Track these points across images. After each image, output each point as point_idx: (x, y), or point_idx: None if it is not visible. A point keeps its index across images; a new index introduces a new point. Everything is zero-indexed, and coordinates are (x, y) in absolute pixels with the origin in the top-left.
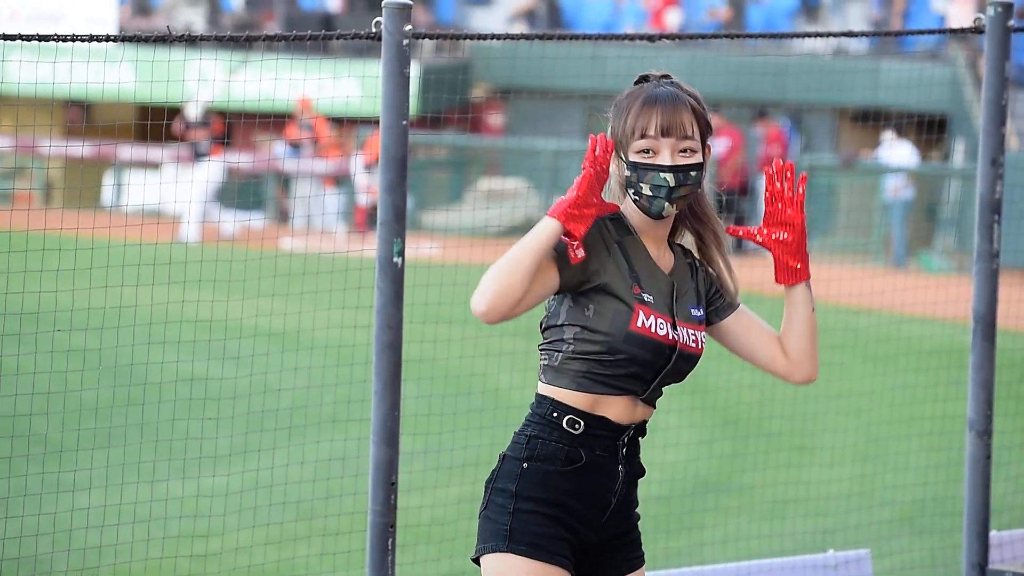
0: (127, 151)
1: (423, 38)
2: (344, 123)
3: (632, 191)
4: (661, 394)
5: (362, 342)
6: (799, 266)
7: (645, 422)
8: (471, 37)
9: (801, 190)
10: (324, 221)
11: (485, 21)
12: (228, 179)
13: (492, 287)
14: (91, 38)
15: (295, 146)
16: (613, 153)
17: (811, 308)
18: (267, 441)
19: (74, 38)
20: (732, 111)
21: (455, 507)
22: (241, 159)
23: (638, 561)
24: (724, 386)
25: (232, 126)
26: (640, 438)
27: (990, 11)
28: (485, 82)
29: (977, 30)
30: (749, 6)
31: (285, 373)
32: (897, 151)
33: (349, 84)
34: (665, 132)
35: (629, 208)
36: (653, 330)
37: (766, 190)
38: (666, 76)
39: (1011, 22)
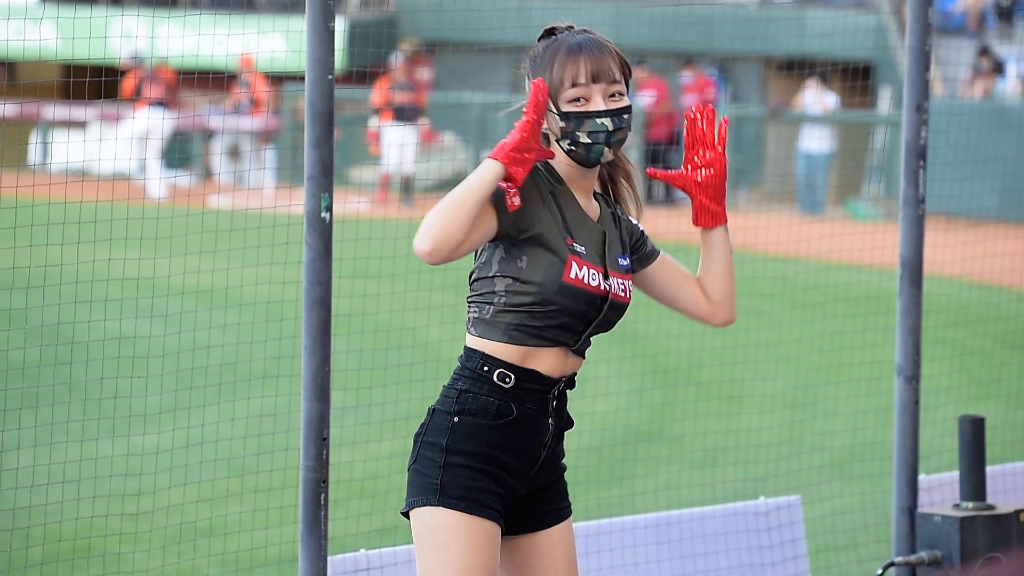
0: (51, 110)
1: None
2: (270, 79)
3: (568, 141)
4: (590, 344)
5: (291, 298)
6: (718, 209)
7: (574, 374)
8: None
9: (722, 132)
10: (252, 177)
11: None
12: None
13: (435, 227)
14: None
15: (235, 105)
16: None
17: (730, 250)
18: (197, 399)
19: None
20: (658, 62)
21: (387, 462)
22: (167, 116)
23: (565, 511)
24: (654, 335)
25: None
26: (569, 390)
27: None
28: (411, 36)
29: None
30: None
31: (214, 330)
32: (822, 100)
33: (274, 39)
34: (595, 78)
35: (560, 159)
36: (586, 281)
37: (687, 133)
38: (572, 26)
39: None
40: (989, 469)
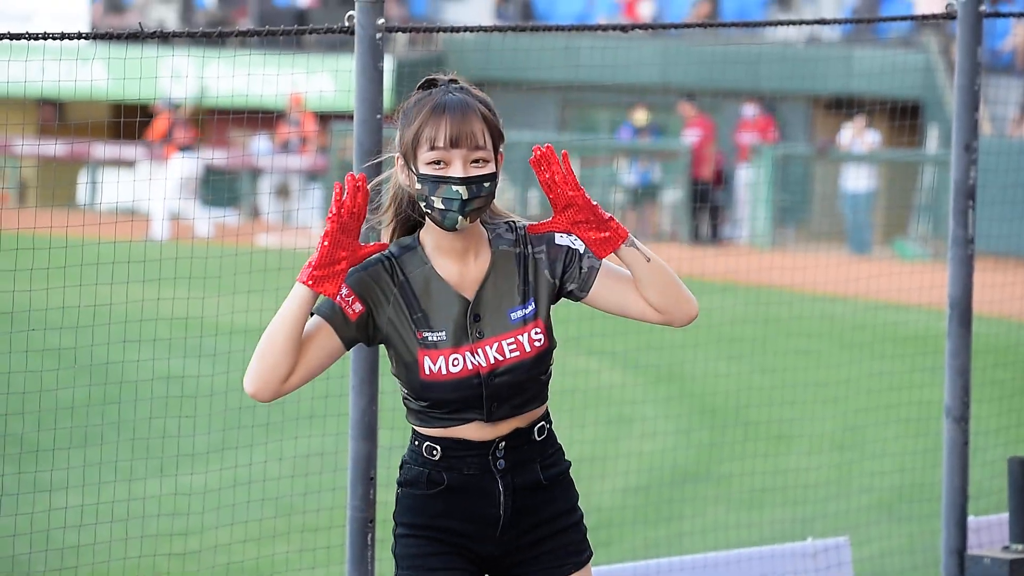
0: (101, 149)
1: (396, 31)
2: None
3: (424, 204)
4: (522, 399)
5: None
6: (606, 234)
7: (522, 430)
8: (444, 30)
9: (567, 165)
10: (300, 216)
11: (458, 14)
12: (207, 175)
13: (255, 368)
14: (63, 36)
15: (284, 144)
16: (402, 164)
17: (646, 259)
18: (245, 438)
19: (45, 36)
20: (705, 101)
21: None
22: (215, 156)
23: (564, 569)
24: (701, 375)
25: (206, 123)
26: (527, 445)
27: None
28: (459, 75)
29: (949, 16)
30: None
31: None
32: (863, 139)
33: (323, 79)
34: (455, 143)
35: (428, 228)
36: (444, 371)
37: (539, 182)
38: (454, 80)
39: (982, 7)
40: None
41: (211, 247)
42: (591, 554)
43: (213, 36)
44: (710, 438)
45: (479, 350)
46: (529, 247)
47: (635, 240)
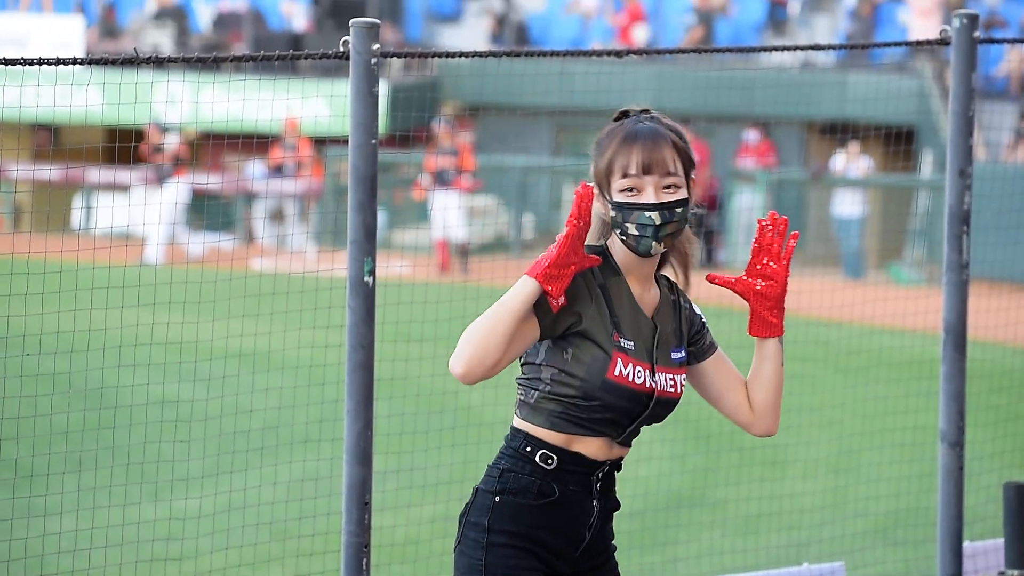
0: (95, 174)
1: (391, 56)
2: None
3: (619, 231)
4: (638, 434)
5: (333, 362)
6: (775, 321)
7: (621, 458)
8: (439, 55)
9: (791, 245)
10: (294, 240)
11: (453, 39)
12: (196, 200)
13: (468, 350)
14: (58, 61)
15: (278, 169)
16: (597, 192)
17: (780, 363)
18: (239, 462)
19: (41, 61)
20: (700, 125)
21: (429, 526)
22: (210, 180)
23: None
24: (695, 400)
25: (200, 147)
26: (616, 472)
27: (956, 23)
28: (454, 100)
29: (943, 42)
30: (717, 20)
31: (256, 394)
32: (858, 165)
33: (318, 103)
34: (647, 170)
35: (616, 245)
36: (631, 379)
37: (755, 240)
38: (646, 111)
39: (976, 33)
40: None
41: (205, 271)
42: None
43: (208, 61)
44: (705, 463)
45: (658, 374)
46: (681, 298)
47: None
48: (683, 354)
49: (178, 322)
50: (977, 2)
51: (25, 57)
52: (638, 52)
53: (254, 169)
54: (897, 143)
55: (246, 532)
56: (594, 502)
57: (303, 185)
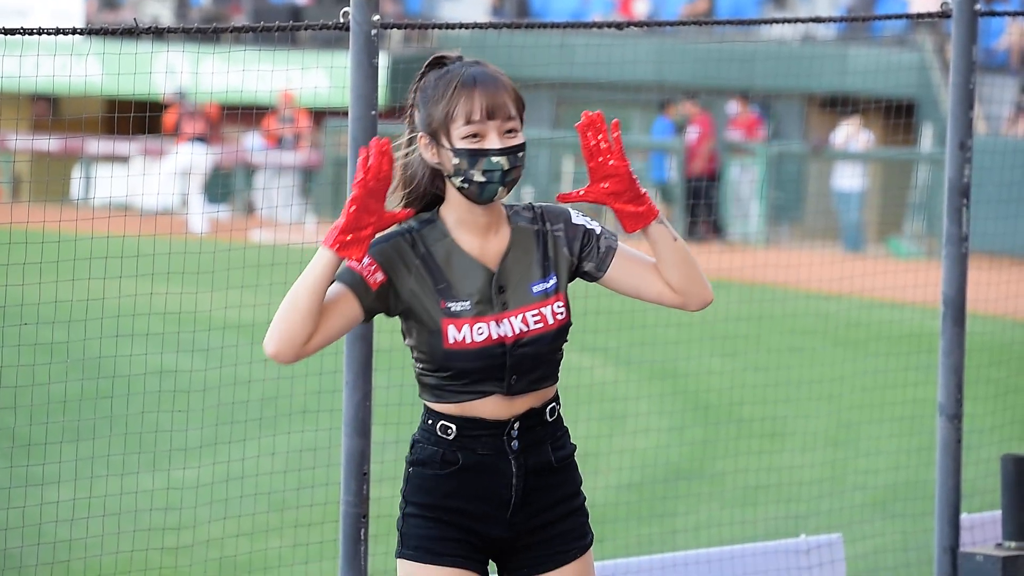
0: (95, 144)
1: (391, 28)
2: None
3: (461, 179)
4: (541, 374)
5: None
6: (641, 209)
7: (537, 410)
8: (439, 26)
9: (616, 134)
10: (293, 212)
11: (454, 11)
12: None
13: (276, 330)
14: (57, 31)
15: (276, 140)
16: (429, 141)
17: (673, 239)
18: (238, 433)
19: (40, 31)
20: (701, 98)
21: None
22: (210, 151)
23: (571, 554)
24: (694, 372)
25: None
26: (540, 426)
27: None
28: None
29: (944, 15)
30: None
31: (255, 365)
32: (858, 139)
33: (318, 75)
34: (491, 114)
35: (450, 204)
36: (469, 340)
37: (582, 148)
38: (462, 57)
39: (977, 6)
40: None
41: (204, 242)
42: (593, 537)
43: (208, 32)
44: (703, 435)
45: (504, 320)
46: (547, 224)
47: (664, 218)
48: (552, 282)
49: (177, 292)
50: None
51: (25, 27)
52: (639, 24)
53: (253, 141)
54: (897, 116)
55: (244, 502)
56: (511, 461)
57: (302, 157)
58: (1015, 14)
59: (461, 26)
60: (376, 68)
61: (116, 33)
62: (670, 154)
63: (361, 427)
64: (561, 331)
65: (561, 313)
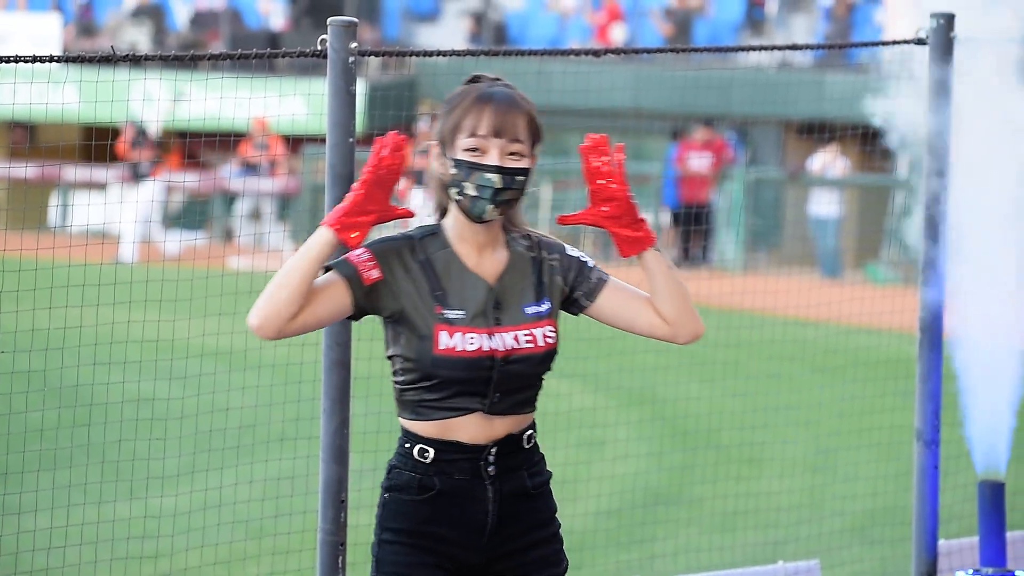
0: (72, 172)
1: (369, 55)
2: (290, 142)
3: (456, 190)
4: (523, 398)
5: (310, 360)
6: (638, 234)
7: (515, 436)
8: (416, 54)
9: (620, 158)
10: (271, 239)
11: (431, 38)
12: (173, 199)
13: (263, 302)
14: (35, 59)
15: (251, 166)
16: (439, 150)
17: (667, 268)
18: (215, 461)
19: (17, 59)
20: (679, 124)
21: None
22: (187, 178)
23: None
24: (673, 397)
25: (176, 146)
26: (516, 452)
27: (932, 23)
28: (432, 99)
29: (920, 41)
30: (695, 21)
31: (233, 392)
32: (835, 166)
33: (295, 102)
34: (496, 132)
35: (451, 217)
36: (459, 348)
37: (583, 169)
38: (498, 79)
39: (952, 33)
40: (1010, 535)
41: (181, 270)
42: (567, 565)
43: (185, 59)
44: (682, 461)
45: (496, 335)
46: (543, 252)
47: (660, 247)
48: (546, 307)
49: (154, 320)
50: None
51: (2, 55)
52: (616, 51)
53: (231, 168)
54: (874, 143)
55: (222, 530)
56: (487, 487)
57: (280, 184)
58: (989, 41)
59: (439, 53)
60: (353, 95)
61: (93, 60)
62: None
63: (339, 454)
64: (548, 355)
65: (551, 337)
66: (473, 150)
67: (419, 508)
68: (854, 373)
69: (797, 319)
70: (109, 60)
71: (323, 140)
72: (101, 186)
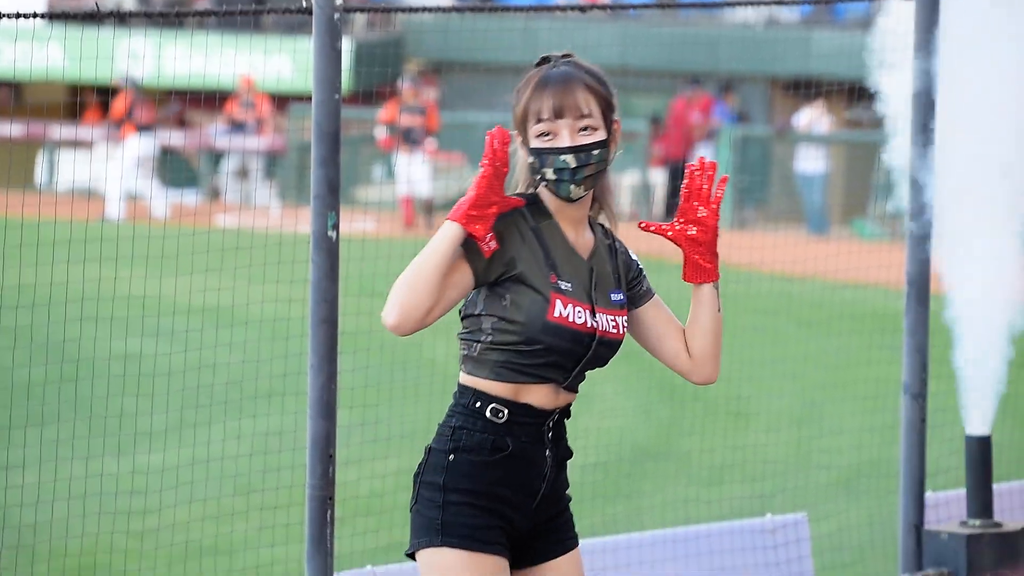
0: (57, 130)
1: (354, 11)
2: (276, 100)
3: (539, 177)
4: (583, 379)
5: (297, 316)
6: (709, 266)
7: (569, 405)
8: (402, 11)
9: (720, 192)
10: (258, 196)
11: None
12: (164, 156)
13: (398, 300)
14: (18, 15)
15: (238, 125)
16: (520, 142)
17: (717, 309)
18: (203, 416)
19: (0, 16)
20: (664, 81)
21: (393, 479)
22: (173, 136)
23: (571, 542)
24: None
25: (163, 103)
26: (565, 420)
27: None
28: (418, 57)
29: None
30: None
31: (220, 348)
32: (822, 122)
33: (281, 60)
34: (559, 113)
35: (545, 191)
36: (571, 319)
37: (684, 186)
38: (566, 55)
39: None
40: (996, 487)
41: (168, 227)
42: None
43: (171, 17)
44: (669, 415)
45: (598, 314)
46: (616, 242)
47: (718, 286)
48: (622, 296)
49: (141, 277)
50: None
51: None
52: (603, 7)
53: (217, 126)
54: (861, 99)
55: (210, 486)
56: (547, 452)
57: (266, 142)
58: None
59: (424, 10)
60: (339, 52)
61: (78, 18)
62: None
63: (326, 410)
64: (620, 345)
65: (625, 327)
66: (545, 135)
67: (490, 469)
68: (840, 327)
69: (784, 275)
70: (94, 17)
71: (309, 98)
72: (87, 144)
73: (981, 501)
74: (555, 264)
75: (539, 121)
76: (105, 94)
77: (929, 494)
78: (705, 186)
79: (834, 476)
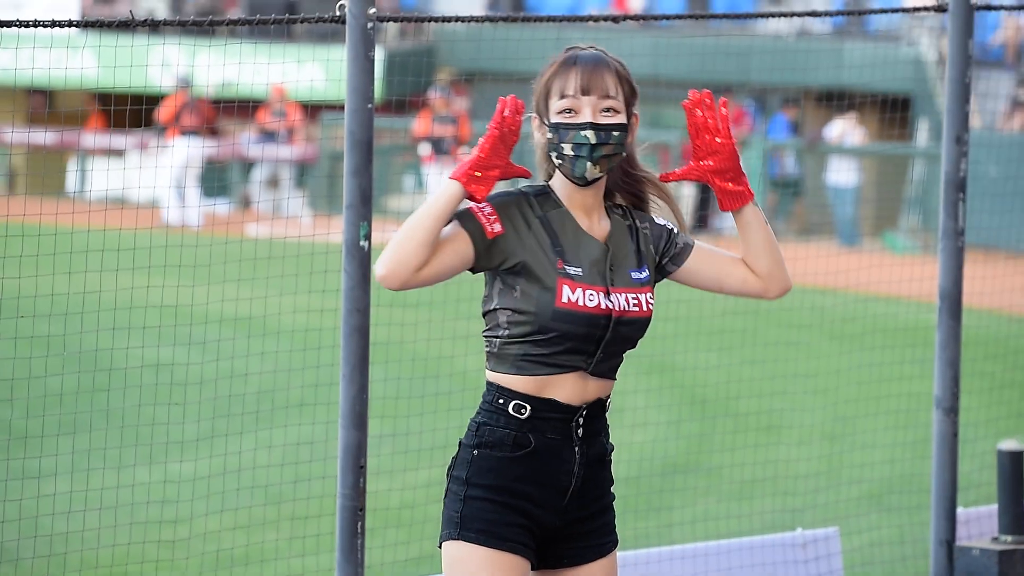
0: (90, 138)
1: (387, 21)
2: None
3: (555, 154)
4: (617, 362)
5: (329, 326)
6: (740, 188)
7: (602, 400)
8: (435, 20)
9: (724, 112)
10: (290, 206)
11: (450, 4)
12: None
13: (391, 252)
14: (53, 24)
15: (269, 134)
16: (539, 121)
17: (764, 223)
18: (234, 426)
19: (36, 24)
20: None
21: (424, 490)
22: (206, 145)
23: (608, 546)
24: (691, 366)
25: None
26: (600, 416)
27: None
28: (450, 66)
29: (940, 8)
30: None
31: (252, 358)
32: (854, 134)
33: (313, 69)
34: (585, 91)
35: (557, 180)
36: (581, 303)
37: (688, 124)
38: (591, 46)
39: (973, 0)
40: None
41: (200, 237)
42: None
43: (203, 25)
44: (700, 429)
45: (613, 295)
46: (636, 221)
47: (756, 202)
48: (646, 274)
49: (173, 286)
50: None
51: (20, 19)
52: (634, 18)
53: (249, 134)
54: (893, 111)
55: (240, 496)
56: (576, 448)
57: (298, 151)
58: (1011, 8)
59: (457, 19)
60: (372, 61)
61: (111, 26)
62: (787, 151)
63: (358, 420)
64: (648, 322)
65: (652, 303)
66: (567, 111)
67: (512, 465)
68: (872, 341)
69: (815, 287)
70: (127, 26)
71: (341, 107)
72: (120, 152)
73: (1013, 516)
74: (563, 250)
75: (563, 97)
76: (139, 102)
77: (961, 510)
78: (707, 115)
79: (865, 491)
